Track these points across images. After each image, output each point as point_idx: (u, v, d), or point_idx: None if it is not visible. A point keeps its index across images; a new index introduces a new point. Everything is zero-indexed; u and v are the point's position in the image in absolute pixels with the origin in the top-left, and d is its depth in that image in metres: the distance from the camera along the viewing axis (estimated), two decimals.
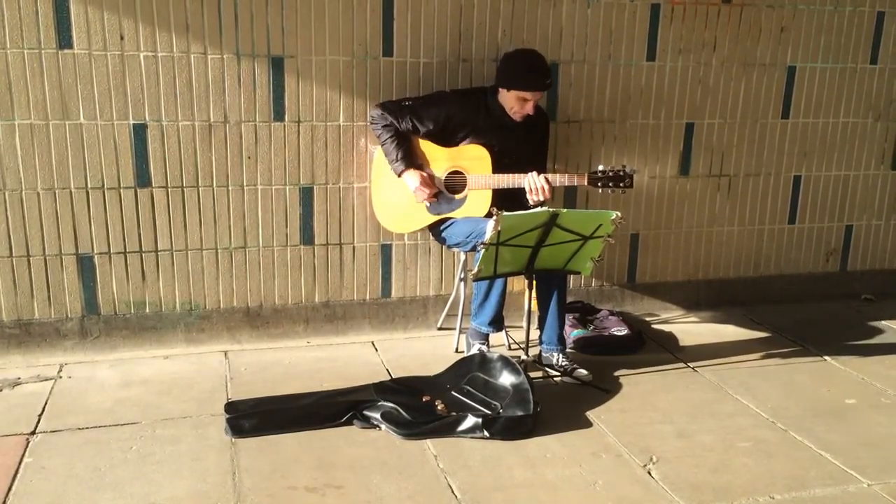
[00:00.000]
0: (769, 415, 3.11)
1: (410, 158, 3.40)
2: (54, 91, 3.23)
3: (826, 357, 3.70)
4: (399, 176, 3.40)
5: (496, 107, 3.39)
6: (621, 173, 3.27)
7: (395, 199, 3.52)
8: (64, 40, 3.20)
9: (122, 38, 3.25)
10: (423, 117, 3.37)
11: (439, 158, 3.42)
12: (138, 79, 3.30)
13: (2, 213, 3.28)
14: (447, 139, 3.42)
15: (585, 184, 3.30)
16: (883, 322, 4.21)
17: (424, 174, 3.38)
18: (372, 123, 3.44)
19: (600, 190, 3.32)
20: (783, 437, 2.96)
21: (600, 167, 3.30)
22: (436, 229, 3.52)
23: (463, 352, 3.55)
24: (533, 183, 3.22)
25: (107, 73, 3.27)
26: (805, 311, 4.30)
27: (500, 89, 3.36)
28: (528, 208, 3.21)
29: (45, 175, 3.29)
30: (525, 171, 3.28)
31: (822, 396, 3.30)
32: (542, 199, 3.24)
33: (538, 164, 3.45)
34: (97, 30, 3.22)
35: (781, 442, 2.92)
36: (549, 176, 3.25)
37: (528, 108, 3.34)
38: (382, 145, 3.42)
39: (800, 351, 3.78)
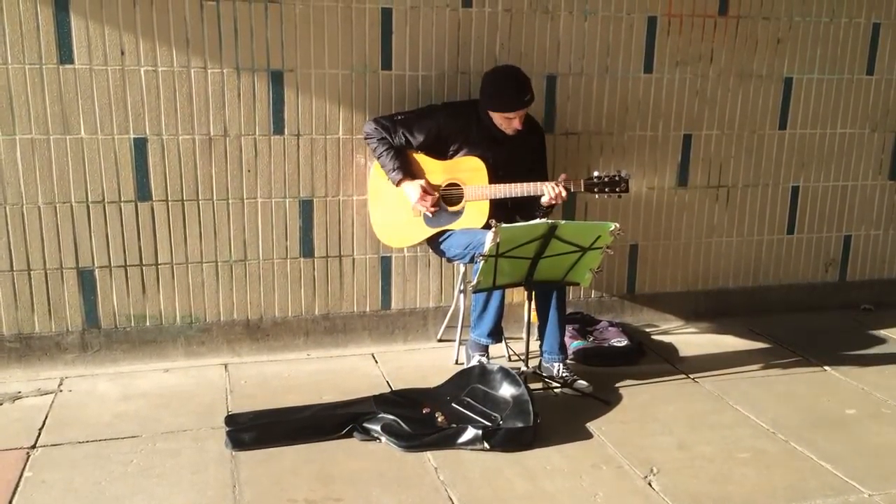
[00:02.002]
0: (769, 425, 3.12)
1: (407, 168, 3.41)
2: (55, 105, 3.25)
3: (826, 367, 3.71)
4: (397, 185, 3.41)
5: (487, 120, 3.40)
6: (616, 178, 3.30)
7: (392, 214, 3.53)
8: (65, 55, 3.22)
9: (122, 52, 3.27)
10: (415, 130, 3.39)
11: (435, 171, 3.44)
12: (139, 93, 3.32)
13: (3, 227, 3.29)
14: (441, 152, 3.44)
15: (582, 190, 3.32)
16: (882, 332, 4.21)
17: (423, 183, 3.39)
18: (367, 139, 3.45)
19: (597, 196, 3.34)
20: (783, 447, 2.96)
21: (595, 173, 3.32)
22: (434, 242, 3.53)
23: (463, 363, 3.55)
24: (552, 190, 3.26)
25: (107, 88, 3.29)
26: (804, 322, 4.30)
27: (486, 111, 3.37)
28: (527, 219, 3.23)
29: (46, 189, 3.31)
30: (521, 181, 3.32)
31: (821, 407, 3.31)
32: (559, 203, 3.30)
33: (538, 174, 3.47)
34: (98, 45, 3.24)
35: (781, 452, 2.92)
36: (551, 184, 3.30)
37: (516, 124, 3.35)
38: (378, 158, 3.43)
39: (799, 361, 3.78)
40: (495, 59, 3.67)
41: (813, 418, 3.19)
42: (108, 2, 3.21)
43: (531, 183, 3.32)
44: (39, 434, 2.90)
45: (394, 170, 3.38)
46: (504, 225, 2.91)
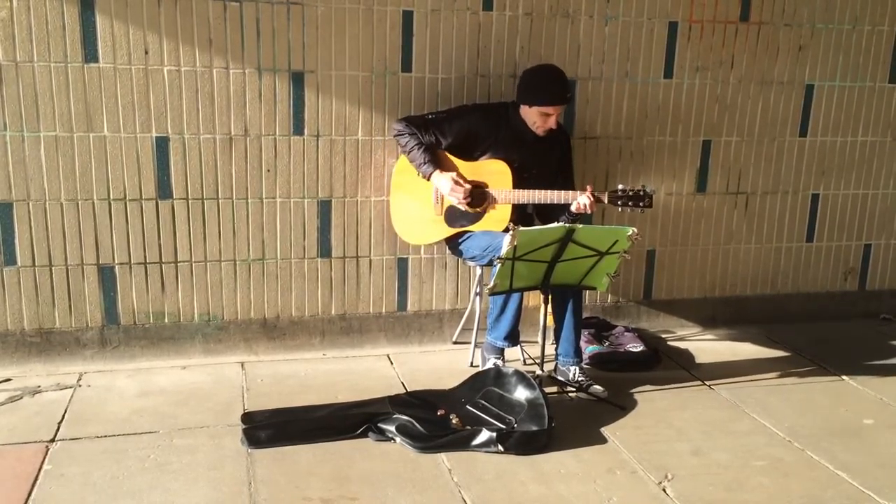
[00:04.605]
0: (786, 434, 3.10)
1: (438, 161, 3.42)
2: (79, 104, 3.29)
3: (844, 376, 3.68)
4: (428, 178, 3.40)
5: (517, 122, 3.41)
6: (641, 193, 3.32)
7: (414, 211, 3.54)
8: (90, 54, 3.26)
9: (146, 52, 3.31)
10: (446, 130, 3.40)
11: (460, 172, 3.44)
12: (161, 92, 3.35)
13: (25, 223, 3.34)
14: (469, 153, 3.45)
15: (605, 201, 3.33)
16: None
17: (455, 174, 3.38)
18: (397, 135, 3.46)
19: (619, 208, 3.34)
20: (800, 456, 2.94)
21: (620, 186, 3.34)
22: (453, 242, 3.54)
23: (478, 366, 3.56)
24: (582, 201, 3.29)
25: (131, 87, 3.32)
26: (823, 330, 4.27)
27: (523, 105, 3.38)
28: (547, 223, 3.24)
29: (69, 186, 3.35)
30: (545, 186, 3.35)
31: (839, 416, 3.28)
32: (587, 212, 3.34)
33: (565, 179, 3.48)
34: (122, 44, 3.28)
35: (798, 461, 2.90)
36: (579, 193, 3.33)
37: (551, 122, 3.37)
38: (409, 153, 3.43)
39: (817, 370, 3.75)
40: (515, 62, 3.68)
41: (830, 427, 3.17)
42: (133, 2, 3.25)
43: (556, 191, 3.34)
44: (58, 428, 2.94)
45: (425, 163, 3.38)
46: (522, 228, 2.91)
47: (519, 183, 3.36)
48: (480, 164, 3.43)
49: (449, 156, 3.45)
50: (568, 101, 3.39)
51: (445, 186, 3.37)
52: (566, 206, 3.36)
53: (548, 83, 3.34)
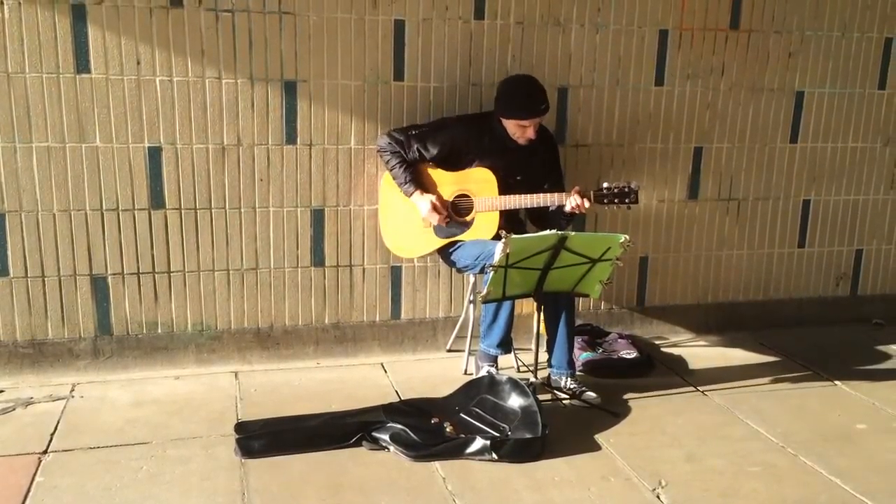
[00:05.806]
0: (779, 439, 3.10)
1: (419, 180, 3.44)
2: (71, 114, 3.29)
3: (836, 382, 3.69)
4: (409, 197, 3.43)
5: (500, 130, 3.42)
6: (626, 189, 3.29)
7: (402, 224, 3.55)
8: (82, 65, 3.26)
9: (138, 62, 3.31)
10: (429, 144, 3.42)
11: (446, 182, 3.46)
12: (154, 102, 3.36)
13: (18, 233, 3.33)
14: (454, 164, 3.46)
15: (592, 200, 3.32)
16: (893, 347, 4.18)
17: (434, 198, 3.41)
18: (380, 152, 3.49)
19: (606, 206, 3.34)
20: (793, 461, 2.94)
21: (605, 184, 3.33)
22: (444, 252, 3.54)
23: (472, 374, 3.56)
24: (573, 200, 3.26)
25: (123, 97, 3.32)
26: (815, 336, 4.28)
27: (500, 117, 3.40)
28: (540, 229, 3.24)
29: (61, 196, 3.34)
30: (532, 191, 3.35)
31: (832, 421, 3.29)
32: (581, 212, 3.31)
33: (554, 184, 3.48)
34: (114, 55, 3.28)
35: (791, 467, 2.91)
36: (556, 195, 3.32)
37: (530, 133, 3.37)
38: (391, 171, 3.46)
39: (810, 375, 3.76)
40: (507, 70, 3.69)
41: (823, 433, 3.17)
42: (124, 12, 3.25)
43: (541, 194, 3.34)
44: (51, 439, 2.93)
45: (405, 182, 3.41)
46: (514, 236, 2.92)
47: (505, 190, 3.37)
48: (466, 174, 3.44)
49: (435, 168, 3.47)
50: (543, 113, 3.37)
51: (424, 209, 3.40)
52: (559, 209, 3.36)
53: (521, 97, 3.34)
